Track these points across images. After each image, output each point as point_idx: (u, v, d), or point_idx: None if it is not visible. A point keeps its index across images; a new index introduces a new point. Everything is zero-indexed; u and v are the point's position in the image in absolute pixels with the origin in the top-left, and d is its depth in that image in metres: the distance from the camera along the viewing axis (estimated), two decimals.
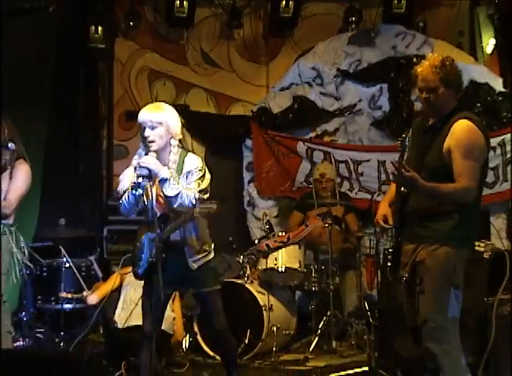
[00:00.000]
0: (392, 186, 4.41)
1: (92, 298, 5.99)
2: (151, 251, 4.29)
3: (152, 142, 4.25)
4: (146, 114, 4.28)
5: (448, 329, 3.99)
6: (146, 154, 4.27)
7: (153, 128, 4.26)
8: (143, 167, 4.14)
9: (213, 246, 4.53)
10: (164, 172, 4.18)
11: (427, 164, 4.07)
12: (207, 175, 4.34)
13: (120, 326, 5.61)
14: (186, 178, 4.29)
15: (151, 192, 4.20)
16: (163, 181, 4.18)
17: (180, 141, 4.37)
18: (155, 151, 4.25)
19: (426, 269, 4.01)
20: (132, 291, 5.72)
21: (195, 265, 4.38)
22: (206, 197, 4.28)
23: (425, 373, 4.06)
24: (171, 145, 4.31)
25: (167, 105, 4.41)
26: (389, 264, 4.25)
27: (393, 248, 4.21)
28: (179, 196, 4.18)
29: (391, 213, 4.27)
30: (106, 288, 5.96)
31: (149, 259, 4.30)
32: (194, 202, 4.20)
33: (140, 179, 4.14)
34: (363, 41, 7.93)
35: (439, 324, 3.97)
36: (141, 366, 4.39)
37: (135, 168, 4.20)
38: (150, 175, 4.17)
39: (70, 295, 6.23)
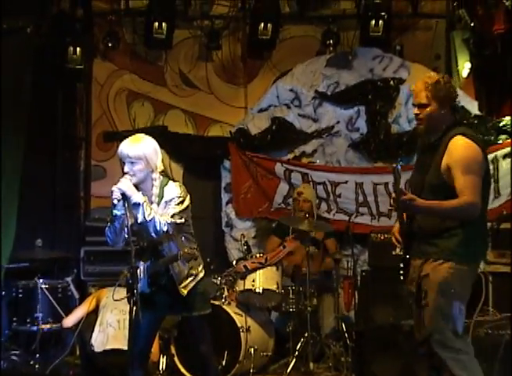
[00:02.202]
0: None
1: (67, 322, 5.95)
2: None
3: (132, 176, 4.24)
4: (124, 149, 4.26)
5: (455, 339, 4.04)
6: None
7: (132, 163, 4.24)
8: (117, 190, 4.14)
9: (201, 267, 4.51)
10: (136, 197, 4.16)
11: (427, 183, 4.12)
12: (186, 203, 4.31)
13: (96, 349, 5.57)
14: (164, 208, 4.27)
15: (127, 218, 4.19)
16: (136, 206, 4.16)
17: (161, 172, 4.36)
18: (135, 185, 4.24)
19: (430, 283, 4.06)
20: (109, 313, 5.68)
21: (185, 291, 4.36)
22: (181, 220, 4.26)
23: None
24: (152, 179, 4.30)
25: (146, 137, 4.37)
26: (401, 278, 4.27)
27: (402, 265, 4.24)
28: (152, 221, 4.16)
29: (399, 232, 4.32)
30: (81, 311, 5.91)
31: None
32: (166, 228, 4.18)
33: (115, 201, 4.14)
34: (341, 63, 7.97)
35: (446, 336, 4.02)
36: None
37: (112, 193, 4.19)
38: (126, 198, 4.16)
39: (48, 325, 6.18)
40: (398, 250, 4.41)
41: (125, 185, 4.17)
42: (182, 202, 4.27)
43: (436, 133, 4.17)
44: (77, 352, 6.22)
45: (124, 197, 4.15)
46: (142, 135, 4.41)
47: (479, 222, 4.12)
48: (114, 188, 4.16)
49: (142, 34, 8.15)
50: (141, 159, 4.23)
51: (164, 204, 4.28)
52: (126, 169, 4.24)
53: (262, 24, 7.80)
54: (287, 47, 8.28)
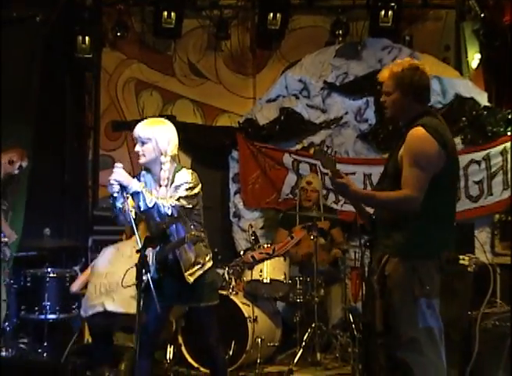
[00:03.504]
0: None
1: (73, 287, 5.98)
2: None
3: (141, 156, 4.30)
4: (137, 129, 4.34)
5: (420, 340, 3.90)
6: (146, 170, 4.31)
7: (142, 143, 4.30)
8: (113, 182, 4.13)
9: (208, 257, 4.50)
10: (134, 185, 4.15)
11: (388, 172, 4.06)
12: (196, 190, 4.30)
13: (84, 315, 5.58)
14: (173, 192, 4.28)
15: (127, 207, 4.19)
16: (135, 194, 4.15)
17: (173, 157, 4.37)
18: (145, 166, 4.31)
19: (392, 283, 3.96)
20: (94, 278, 5.65)
21: (191, 279, 4.36)
22: (188, 205, 4.26)
23: None
24: (161, 162, 4.32)
25: (164, 122, 4.43)
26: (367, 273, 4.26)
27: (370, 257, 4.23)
28: (155, 207, 4.15)
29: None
30: (85, 276, 5.90)
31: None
32: (170, 211, 4.18)
33: (115, 194, 4.16)
34: (350, 54, 7.95)
35: (410, 336, 3.91)
36: None
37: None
38: (123, 189, 4.15)
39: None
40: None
41: (120, 174, 4.15)
42: (191, 188, 4.27)
43: (404, 122, 4.10)
44: (85, 341, 6.23)
45: (122, 188, 4.16)
46: (162, 119, 4.51)
47: (430, 216, 3.93)
48: (111, 180, 4.14)
49: (150, 24, 8.16)
50: (150, 140, 4.28)
51: (173, 189, 4.29)
52: (136, 148, 4.31)
53: (271, 14, 7.79)
54: (296, 37, 8.26)
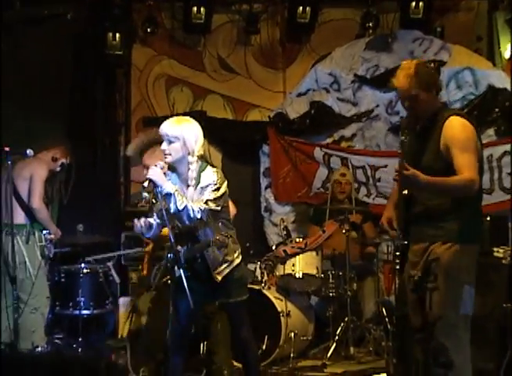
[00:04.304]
0: (395, 189, 4.41)
1: (128, 150, 5.94)
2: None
3: (167, 155, 4.27)
4: (164, 128, 4.29)
5: (460, 326, 4.03)
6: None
7: (169, 142, 4.26)
8: (147, 179, 4.16)
9: (237, 253, 4.47)
10: (167, 187, 4.16)
11: (426, 166, 4.06)
12: (222, 190, 4.28)
13: None
14: (200, 193, 4.25)
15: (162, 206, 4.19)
16: (168, 196, 4.16)
17: (200, 157, 4.34)
18: (171, 165, 4.29)
19: (440, 267, 4.04)
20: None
21: (219, 277, 4.35)
22: (216, 207, 4.24)
23: (437, 368, 4.06)
24: (188, 162, 4.29)
25: (190, 120, 4.37)
26: (397, 267, 4.25)
27: (400, 250, 4.22)
28: (185, 210, 4.15)
29: (396, 216, 4.28)
30: (140, 137, 5.84)
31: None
32: (200, 215, 4.17)
33: (149, 188, 4.17)
34: (380, 46, 7.90)
35: (453, 321, 4.01)
36: (170, 373, 4.44)
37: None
38: (155, 186, 4.17)
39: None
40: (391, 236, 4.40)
41: (155, 174, 4.17)
42: (217, 189, 4.24)
43: (427, 117, 4.15)
44: (119, 336, 6.27)
45: (155, 186, 4.16)
46: (188, 117, 4.43)
47: (478, 201, 4.15)
48: (146, 176, 4.17)
49: (180, 19, 8.16)
50: (178, 139, 4.24)
51: (199, 190, 4.26)
52: (163, 146, 4.27)
53: (301, 8, 7.77)
54: (326, 30, 8.22)
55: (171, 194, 4.14)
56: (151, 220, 4.36)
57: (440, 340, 4.01)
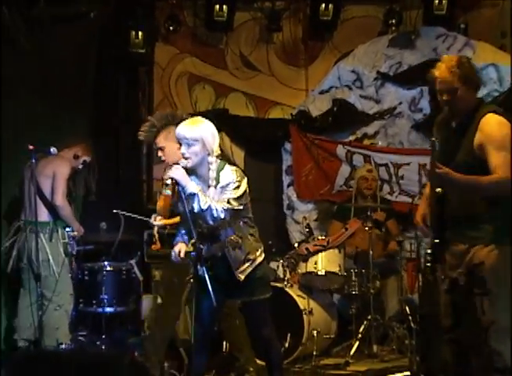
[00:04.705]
0: (428, 187, 4.38)
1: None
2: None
3: (187, 158, 4.23)
4: (181, 131, 4.24)
5: (510, 329, 3.99)
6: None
7: (189, 145, 4.22)
8: (169, 178, 4.14)
9: (259, 251, 4.46)
10: (191, 187, 4.14)
11: (459, 164, 4.03)
12: (242, 188, 4.25)
13: None
14: (220, 193, 4.24)
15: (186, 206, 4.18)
16: (191, 196, 4.14)
17: (218, 156, 4.31)
18: (191, 168, 4.24)
19: (487, 272, 4.00)
20: None
21: (242, 276, 4.35)
22: (239, 207, 4.23)
23: (495, 373, 4.03)
24: (208, 162, 4.27)
25: (204, 120, 4.33)
26: (429, 265, 4.22)
27: (433, 249, 4.17)
28: (208, 210, 4.14)
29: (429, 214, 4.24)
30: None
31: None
32: (223, 215, 4.17)
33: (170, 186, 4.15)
34: (403, 43, 7.87)
35: (506, 325, 3.97)
36: (193, 371, 4.45)
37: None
38: (176, 185, 4.16)
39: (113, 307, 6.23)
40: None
41: (178, 173, 4.15)
42: (238, 187, 4.22)
43: (463, 114, 4.11)
44: (142, 333, 6.29)
45: (178, 185, 4.15)
46: (200, 117, 4.39)
47: (509, 200, 4.05)
48: (169, 174, 4.15)
49: (203, 17, 8.17)
50: (197, 141, 4.20)
51: (219, 189, 4.23)
52: (182, 150, 4.23)
53: (323, 5, 7.74)
54: (349, 27, 8.19)
55: (194, 194, 4.14)
56: (181, 248, 4.41)
57: (495, 345, 3.97)
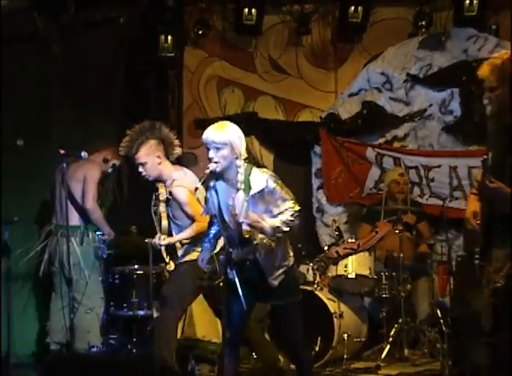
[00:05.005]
0: (477, 187, 4.35)
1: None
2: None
3: (216, 163, 4.22)
4: (209, 135, 4.23)
5: None
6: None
7: (217, 149, 4.21)
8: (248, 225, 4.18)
9: (291, 256, 4.46)
10: (268, 228, 4.19)
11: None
12: (292, 199, 4.32)
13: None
14: (256, 199, 4.23)
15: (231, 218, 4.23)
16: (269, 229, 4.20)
17: (245, 159, 4.31)
18: (220, 172, 4.25)
19: None
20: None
21: (275, 282, 4.34)
22: (286, 229, 4.26)
23: None
24: (236, 166, 4.26)
25: (231, 124, 4.33)
26: (477, 263, 4.19)
27: (481, 251, 4.15)
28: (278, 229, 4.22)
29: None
30: None
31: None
32: (294, 221, 4.26)
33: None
34: (434, 45, 7.81)
35: None
36: (223, 374, 4.44)
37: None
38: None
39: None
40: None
41: (256, 221, 4.17)
42: (284, 186, 4.28)
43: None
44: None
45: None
46: (227, 121, 4.38)
47: None
48: (246, 225, 4.22)
49: (232, 21, 8.16)
50: (226, 144, 4.19)
51: (257, 196, 4.21)
52: (211, 155, 4.22)
53: (352, 7, 7.70)
54: (378, 30, 8.14)
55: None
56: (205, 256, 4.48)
57: None
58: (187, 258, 5.15)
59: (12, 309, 5.46)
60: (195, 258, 4.84)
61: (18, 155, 6.38)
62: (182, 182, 5.12)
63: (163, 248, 5.25)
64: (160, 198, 5.08)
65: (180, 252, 5.17)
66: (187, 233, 5.15)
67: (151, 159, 5.11)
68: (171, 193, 5.10)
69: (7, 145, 5.73)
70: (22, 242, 6.11)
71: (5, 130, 6.39)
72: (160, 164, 5.14)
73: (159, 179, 5.16)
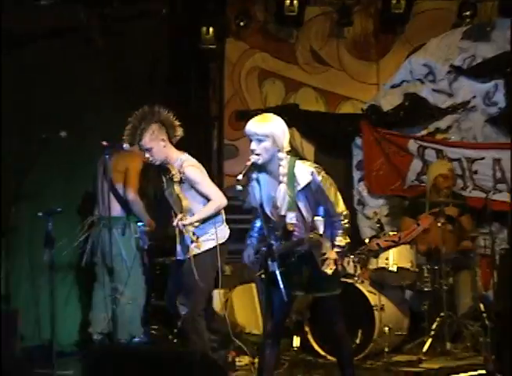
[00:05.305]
0: None
1: None
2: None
3: (258, 155, 4.22)
4: (252, 127, 4.23)
5: None
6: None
7: (259, 141, 4.21)
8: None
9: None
10: (342, 253, 4.34)
11: None
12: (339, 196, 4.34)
13: None
14: (308, 193, 4.24)
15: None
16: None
17: (288, 152, 4.30)
18: (262, 164, 4.24)
19: None
20: None
21: (329, 271, 4.34)
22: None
23: None
24: (278, 158, 4.26)
25: (275, 116, 4.33)
26: None
27: None
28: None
29: None
30: None
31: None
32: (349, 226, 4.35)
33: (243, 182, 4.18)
34: (478, 35, 7.71)
35: None
36: (263, 366, 4.43)
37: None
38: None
39: None
40: None
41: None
42: (332, 182, 4.29)
43: None
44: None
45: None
46: (271, 114, 4.38)
47: None
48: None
49: (273, 12, 8.18)
50: (268, 137, 4.19)
51: (305, 190, 4.22)
52: (253, 146, 4.22)
53: None
54: (421, 21, 8.07)
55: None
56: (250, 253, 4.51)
57: None
58: (205, 248, 5.10)
59: (56, 299, 5.52)
60: (212, 246, 4.98)
61: (61, 147, 6.44)
62: (193, 162, 5.12)
63: (189, 228, 5.15)
64: (175, 179, 5.06)
65: (194, 244, 5.12)
66: (206, 211, 5.11)
67: (156, 143, 5.09)
68: (183, 174, 5.08)
69: (50, 137, 5.77)
70: (65, 233, 6.16)
71: (48, 122, 6.45)
72: (165, 146, 5.13)
73: (165, 162, 5.14)
